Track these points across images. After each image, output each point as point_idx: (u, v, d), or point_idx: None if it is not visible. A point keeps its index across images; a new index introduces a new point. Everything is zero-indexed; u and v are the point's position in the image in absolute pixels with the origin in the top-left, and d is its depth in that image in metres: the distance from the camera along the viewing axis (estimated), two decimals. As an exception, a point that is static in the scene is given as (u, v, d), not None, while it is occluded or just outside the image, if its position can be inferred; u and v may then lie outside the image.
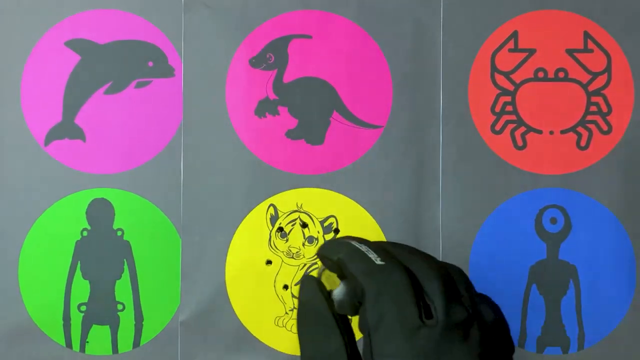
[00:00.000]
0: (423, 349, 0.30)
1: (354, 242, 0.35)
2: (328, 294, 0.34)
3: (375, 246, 0.35)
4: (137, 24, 0.54)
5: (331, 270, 0.35)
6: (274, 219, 0.54)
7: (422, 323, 0.31)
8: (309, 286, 0.35)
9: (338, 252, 0.34)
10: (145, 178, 0.54)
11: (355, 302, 0.33)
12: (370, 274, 0.32)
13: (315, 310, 0.34)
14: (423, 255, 0.35)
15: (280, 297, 0.54)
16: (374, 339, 0.31)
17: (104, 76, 0.54)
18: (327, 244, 0.36)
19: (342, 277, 0.35)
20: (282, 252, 0.54)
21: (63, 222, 0.53)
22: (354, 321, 0.34)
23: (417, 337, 0.31)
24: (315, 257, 0.54)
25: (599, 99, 0.54)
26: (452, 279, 0.34)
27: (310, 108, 0.54)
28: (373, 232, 0.53)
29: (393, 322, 0.31)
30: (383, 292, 0.32)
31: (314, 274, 0.37)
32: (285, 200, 0.54)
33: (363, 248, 0.34)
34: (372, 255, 0.33)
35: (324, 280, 0.36)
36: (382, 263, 0.33)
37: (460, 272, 0.35)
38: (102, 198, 0.54)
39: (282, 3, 0.54)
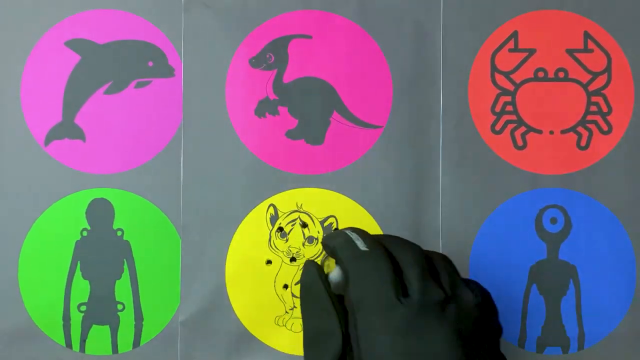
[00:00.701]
0: (399, 323, 0.34)
1: (348, 232, 0.39)
2: (326, 277, 0.38)
3: (366, 236, 0.39)
4: (137, 24, 0.54)
5: (330, 256, 0.39)
6: (274, 218, 0.54)
7: (398, 301, 0.35)
8: (310, 270, 0.39)
9: (333, 240, 0.39)
10: (145, 178, 0.54)
11: (345, 283, 0.37)
12: (354, 259, 0.37)
13: (314, 291, 0.38)
14: (410, 245, 0.39)
15: (280, 297, 0.54)
16: (357, 316, 0.35)
17: (103, 76, 0.54)
18: (329, 234, 0.41)
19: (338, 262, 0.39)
20: (282, 252, 0.54)
21: (63, 222, 0.53)
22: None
23: (394, 313, 0.34)
24: (314, 257, 0.54)
25: (599, 99, 0.54)
26: (433, 265, 0.38)
27: (310, 108, 0.54)
28: (373, 232, 0.53)
29: (372, 301, 0.35)
30: (364, 275, 0.36)
31: (318, 261, 0.41)
32: (286, 200, 0.54)
33: (353, 237, 0.38)
34: (359, 243, 0.38)
35: (325, 266, 0.39)
36: (366, 249, 0.37)
37: (444, 258, 0.39)
38: (102, 198, 0.54)
39: (282, 3, 0.54)
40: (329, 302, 0.37)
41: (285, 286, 0.54)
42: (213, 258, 0.53)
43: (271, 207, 0.54)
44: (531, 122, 0.54)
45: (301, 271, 0.40)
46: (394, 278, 0.36)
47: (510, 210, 0.54)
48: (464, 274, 0.54)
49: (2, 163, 0.53)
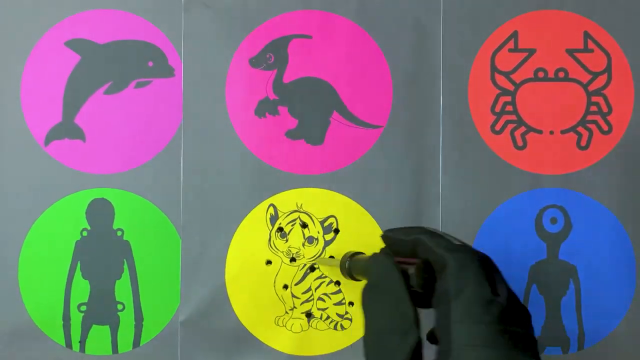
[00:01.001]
0: (495, 318, 0.34)
1: (424, 227, 0.39)
2: (404, 271, 0.37)
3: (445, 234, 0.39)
4: (137, 24, 0.54)
5: (393, 250, 0.39)
6: (273, 219, 0.54)
7: (494, 298, 0.35)
8: (385, 263, 0.37)
9: (412, 233, 0.38)
10: (145, 178, 0.54)
11: (426, 276, 0.36)
12: (452, 250, 0.36)
13: (389, 284, 0.36)
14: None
15: (280, 297, 0.54)
16: (454, 306, 0.34)
17: (103, 76, 0.54)
18: (395, 229, 0.40)
19: (400, 255, 0.38)
20: (282, 252, 0.54)
21: (63, 222, 0.53)
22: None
23: (491, 307, 0.34)
24: (314, 257, 0.54)
25: (599, 99, 0.54)
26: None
27: (310, 108, 0.54)
28: (373, 232, 0.53)
29: (473, 293, 0.34)
30: (464, 267, 0.35)
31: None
32: (285, 200, 0.54)
33: (440, 232, 0.38)
34: (449, 237, 0.38)
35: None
36: (460, 243, 0.37)
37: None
38: (102, 198, 0.54)
39: (282, 3, 0.54)
40: (407, 295, 0.36)
41: (285, 286, 0.54)
42: (213, 258, 0.53)
43: (271, 207, 0.54)
44: (531, 122, 0.54)
45: (368, 265, 0.39)
46: (488, 275, 0.36)
47: (510, 210, 0.54)
48: (464, 274, 0.54)
49: (2, 163, 0.53)
